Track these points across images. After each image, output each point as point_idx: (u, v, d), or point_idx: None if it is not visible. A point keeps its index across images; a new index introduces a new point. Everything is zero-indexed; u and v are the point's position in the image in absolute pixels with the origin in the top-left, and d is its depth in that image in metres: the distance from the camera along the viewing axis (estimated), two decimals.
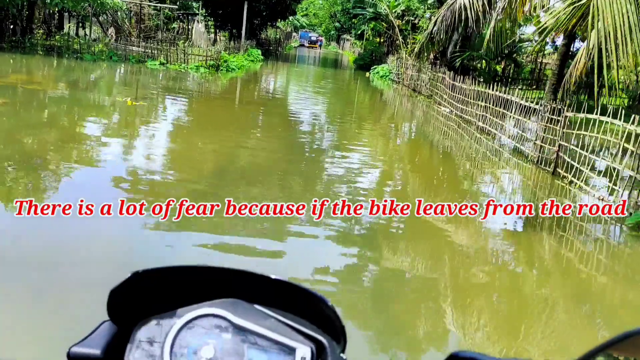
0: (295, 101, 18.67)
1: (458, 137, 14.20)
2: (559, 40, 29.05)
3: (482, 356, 0.67)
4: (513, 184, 10.26)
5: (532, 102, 12.37)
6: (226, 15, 39.74)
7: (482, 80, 21.45)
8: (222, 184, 7.41)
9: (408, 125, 16.32)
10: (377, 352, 3.82)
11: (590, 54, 12.99)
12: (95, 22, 30.78)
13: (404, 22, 36.80)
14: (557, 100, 13.55)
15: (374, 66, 34.94)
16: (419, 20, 35.29)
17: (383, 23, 37.97)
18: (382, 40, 43.23)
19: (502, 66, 20.53)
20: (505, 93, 14.09)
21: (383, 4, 36.02)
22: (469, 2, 17.15)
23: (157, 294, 0.73)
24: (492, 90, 14.50)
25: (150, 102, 13.65)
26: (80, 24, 28.73)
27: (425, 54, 21.77)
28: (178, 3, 43.07)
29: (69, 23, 31.38)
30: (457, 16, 17.40)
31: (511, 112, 13.27)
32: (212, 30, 42.81)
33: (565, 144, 10.14)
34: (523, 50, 21.54)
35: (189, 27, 40.50)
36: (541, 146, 11.03)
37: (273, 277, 0.72)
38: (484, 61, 22.09)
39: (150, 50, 21.85)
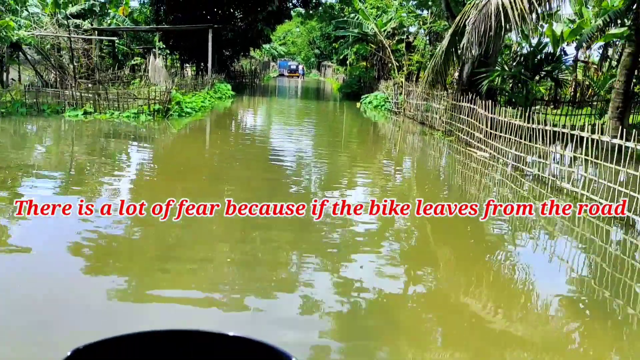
0: (270, 157, 13.19)
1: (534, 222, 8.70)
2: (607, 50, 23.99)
3: None
4: None
5: (602, 132, 7.11)
6: (191, 47, 34.50)
7: (513, 106, 16.18)
8: None
9: (446, 192, 10.55)
10: None
11: None
12: (26, 62, 25.31)
13: (394, 41, 31.80)
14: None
15: (365, 95, 29.76)
16: (414, 38, 30.30)
17: (371, 44, 32.91)
18: (368, 64, 38.20)
19: (546, 87, 15.16)
20: (590, 131, 8.80)
21: (370, 22, 31.03)
22: (510, 0, 11.90)
23: None
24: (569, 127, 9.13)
25: None
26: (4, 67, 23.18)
27: (440, 78, 16.49)
28: (136, 36, 37.83)
29: None
30: (492, 22, 12.13)
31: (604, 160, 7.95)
32: (177, 65, 37.50)
33: None
34: (565, 65, 16.30)
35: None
36: None
37: (231, 334, 0.68)
38: (517, 83, 16.82)
39: (74, 97, 16.30)
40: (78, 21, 31.28)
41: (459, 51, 14.83)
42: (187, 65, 37.62)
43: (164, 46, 35.15)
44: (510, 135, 11.81)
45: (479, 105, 13.87)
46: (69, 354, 0.65)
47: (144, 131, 15.10)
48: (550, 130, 10.21)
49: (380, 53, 32.09)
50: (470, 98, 14.97)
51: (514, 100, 16.38)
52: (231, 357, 0.67)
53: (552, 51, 15.54)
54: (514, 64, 16.59)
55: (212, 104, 24.03)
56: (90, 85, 18.94)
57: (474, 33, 12.52)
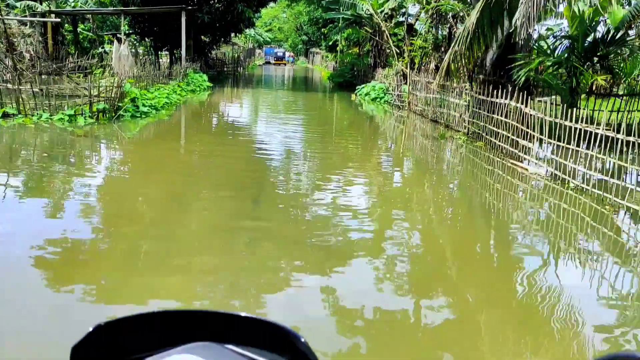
0: (248, 179, 9.60)
1: None
2: None
3: None
4: None
5: None
6: (164, 32, 30.57)
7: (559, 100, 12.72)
8: None
9: (502, 243, 6.86)
10: None
11: None
12: None
13: (392, 24, 28.16)
14: None
15: (360, 85, 26.14)
16: (416, 20, 26.68)
17: (366, 28, 29.21)
18: (361, 50, 34.50)
19: (604, 77, 11.68)
20: None
21: (365, 2, 27.29)
22: None
23: (123, 344, 0.70)
24: None
25: None
26: None
27: (464, 67, 12.96)
28: (100, 20, 33.75)
29: None
30: None
31: None
32: (151, 53, 33.48)
33: None
34: (630, 47, 12.81)
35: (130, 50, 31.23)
36: None
37: (243, 314, 0.72)
38: (559, 71, 13.31)
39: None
40: (31, 2, 27.27)
41: (501, 29, 11.32)
42: (163, 53, 33.66)
43: (132, 31, 31.17)
44: (580, 146, 8.34)
45: (525, 103, 10.37)
46: (91, 329, 0.68)
47: (75, 141, 11.30)
48: None
49: (376, 37, 28.40)
50: (506, 92, 11.46)
51: (557, 93, 12.87)
52: (243, 337, 0.70)
53: (610, 31, 12.00)
54: (558, 47, 13.07)
55: (182, 98, 20.28)
56: (38, 77, 15.15)
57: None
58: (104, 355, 0.70)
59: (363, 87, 25.33)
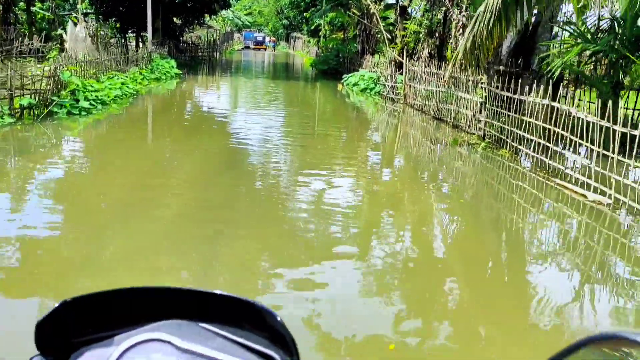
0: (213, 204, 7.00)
1: None
2: None
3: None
4: None
5: None
6: (130, 13, 27.51)
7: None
8: None
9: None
10: None
11: None
12: None
13: (382, 6, 25.52)
14: None
15: (347, 74, 23.52)
16: (410, 1, 24.06)
17: (353, 10, 26.52)
18: (347, 35, 31.79)
19: None
20: None
21: None
22: None
23: (93, 321, 0.68)
24: None
25: None
26: None
27: (483, 54, 10.44)
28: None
29: None
30: None
31: None
32: (118, 36, 30.30)
33: None
34: None
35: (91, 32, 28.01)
36: None
37: (218, 292, 0.70)
38: (598, 62, 10.88)
39: None
40: None
41: (529, 9, 8.87)
42: (132, 36, 30.50)
43: (94, 11, 28.00)
44: None
45: (586, 112, 7.95)
46: (57, 305, 0.66)
47: None
48: None
49: (365, 21, 25.73)
50: (536, 88, 9.03)
51: (596, 88, 10.45)
52: (218, 315, 0.68)
53: None
54: (595, 33, 10.61)
55: (144, 88, 17.48)
56: None
57: None
58: (71, 331, 0.67)
59: (350, 76, 22.73)
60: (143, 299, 0.70)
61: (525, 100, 9.49)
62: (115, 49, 25.20)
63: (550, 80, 10.26)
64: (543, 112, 9.07)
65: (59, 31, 29.02)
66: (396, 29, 23.83)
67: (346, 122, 15.25)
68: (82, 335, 0.67)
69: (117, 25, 28.07)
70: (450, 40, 23.23)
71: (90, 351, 0.64)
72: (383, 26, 23.66)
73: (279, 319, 0.68)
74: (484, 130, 11.22)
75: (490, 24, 9.80)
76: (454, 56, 10.79)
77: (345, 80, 22.84)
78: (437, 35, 23.94)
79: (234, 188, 7.32)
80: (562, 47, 11.18)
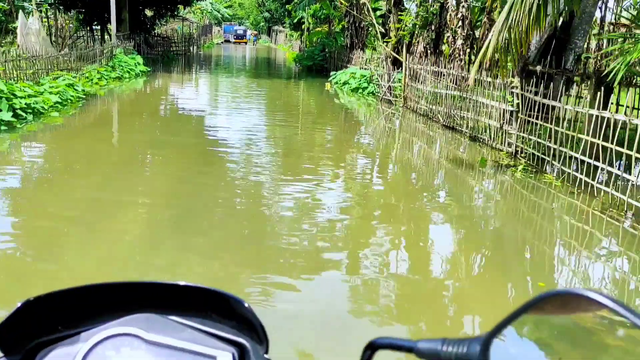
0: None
1: None
2: None
3: (400, 341, 0.66)
4: None
5: None
6: (95, 3, 24.75)
7: None
8: None
9: None
10: None
11: None
12: None
13: None
14: None
15: (335, 72, 21.10)
16: None
17: (341, 0, 24.05)
18: (334, 28, 29.32)
19: None
20: None
21: None
22: None
23: (58, 319, 0.67)
24: None
25: None
26: None
27: (516, 51, 8.13)
28: None
29: None
30: None
31: None
32: (76, 26, 27.37)
33: None
34: None
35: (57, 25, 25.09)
36: None
37: (182, 284, 0.69)
38: None
39: None
40: None
41: None
42: (92, 27, 27.60)
43: (52, 1, 25.08)
44: None
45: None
46: (19, 305, 0.65)
47: None
48: None
49: (354, 11, 23.28)
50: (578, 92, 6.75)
51: None
52: (185, 306, 0.67)
53: None
54: None
55: (99, 89, 14.89)
56: None
57: None
58: (35, 331, 0.65)
59: (339, 74, 20.33)
60: (109, 294, 0.69)
61: (571, 109, 7.21)
62: (82, 44, 22.57)
63: (605, 84, 8.01)
64: (591, 125, 6.84)
65: (17, 23, 26.17)
66: (390, 21, 21.50)
67: (339, 132, 12.82)
68: (48, 334, 0.65)
69: (76, 18, 25.20)
70: (447, 34, 21.08)
71: (58, 349, 0.62)
72: (377, 19, 21.29)
73: (246, 305, 0.67)
74: (515, 146, 8.93)
75: (534, 9, 7.52)
76: (481, 53, 8.45)
77: (334, 79, 20.46)
78: (432, 28, 21.70)
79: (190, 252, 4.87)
80: (611, 43, 8.93)
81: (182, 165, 8.00)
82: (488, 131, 9.85)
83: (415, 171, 9.06)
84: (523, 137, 8.81)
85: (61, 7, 26.30)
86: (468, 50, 21.74)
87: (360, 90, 18.01)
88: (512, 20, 7.90)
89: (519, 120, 8.90)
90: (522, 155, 8.73)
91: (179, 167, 7.85)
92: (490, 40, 8.30)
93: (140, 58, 20.23)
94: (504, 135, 9.31)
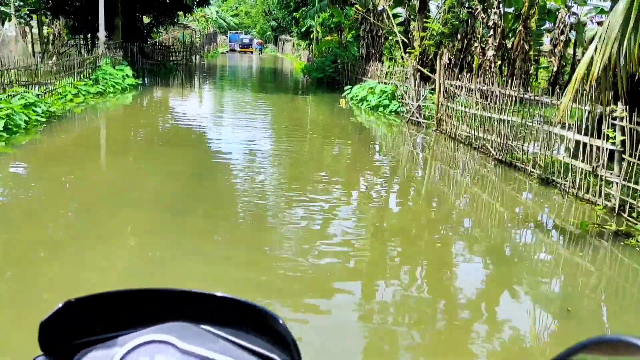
0: None
1: None
2: None
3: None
4: None
5: None
6: (84, 9, 22.44)
7: None
8: None
9: None
10: None
11: None
12: None
13: (392, 2, 20.56)
14: None
15: (350, 86, 18.60)
16: None
17: (357, 7, 21.58)
18: (342, 37, 26.80)
19: None
20: None
21: None
22: None
23: (95, 321, 0.68)
24: None
25: None
26: None
27: (625, 72, 5.61)
28: None
29: None
30: None
31: None
32: (75, 38, 25.02)
33: None
34: None
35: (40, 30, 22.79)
36: None
37: (219, 294, 0.69)
38: None
39: None
40: None
41: None
42: (81, 37, 25.25)
43: (37, 7, 22.71)
44: None
45: None
46: (60, 305, 0.65)
47: None
48: None
49: (371, 18, 20.78)
50: None
51: None
52: (219, 317, 0.68)
53: None
54: None
55: (78, 107, 12.47)
56: None
57: None
58: (74, 332, 0.66)
59: (356, 88, 17.83)
60: (146, 300, 0.69)
61: None
62: (72, 54, 20.28)
63: None
64: None
65: (3, 29, 23.89)
66: (413, 29, 19.05)
67: (359, 163, 10.24)
68: (85, 336, 0.66)
69: (65, 25, 22.84)
70: (475, 44, 18.61)
71: (93, 352, 0.63)
72: (399, 28, 18.80)
73: (281, 321, 0.67)
74: (619, 200, 6.36)
75: None
76: (580, 72, 5.90)
77: (349, 94, 17.97)
78: (458, 37, 19.24)
79: None
80: None
81: (157, 246, 5.44)
82: (570, 174, 7.28)
83: (480, 238, 6.40)
84: (629, 188, 6.25)
85: (48, 13, 24.07)
86: (499, 62, 19.33)
87: (381, 109, 15.48)
88: (619, 34, 5.40)
89: (624, 163, 6.34)
90: (633, 213, 6.15)
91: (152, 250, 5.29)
92: (593, 55, 5.76)
93: (130, 69, 17.78)
94: (599, 182, 6.74)
